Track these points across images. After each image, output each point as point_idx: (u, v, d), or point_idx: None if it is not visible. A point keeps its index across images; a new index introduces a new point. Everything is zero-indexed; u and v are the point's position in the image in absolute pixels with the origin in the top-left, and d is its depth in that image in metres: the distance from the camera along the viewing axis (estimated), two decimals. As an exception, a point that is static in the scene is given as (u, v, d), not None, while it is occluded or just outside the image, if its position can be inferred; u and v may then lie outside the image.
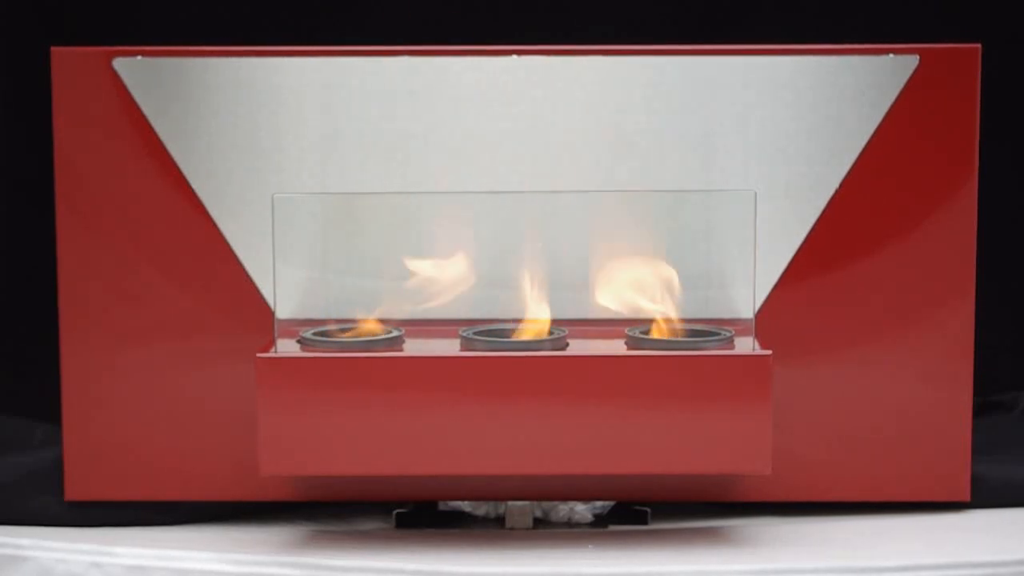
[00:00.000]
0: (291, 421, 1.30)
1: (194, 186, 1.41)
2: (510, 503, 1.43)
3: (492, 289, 1.41)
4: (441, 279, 1.39)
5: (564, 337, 1.36)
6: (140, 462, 1.43)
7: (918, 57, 1.40)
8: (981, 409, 1.66)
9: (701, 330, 1.37)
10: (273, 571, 1.30)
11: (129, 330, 1.41)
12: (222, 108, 1.40)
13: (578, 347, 1.35)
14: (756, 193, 1.36)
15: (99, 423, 1.42)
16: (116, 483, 1.43)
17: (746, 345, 1.34)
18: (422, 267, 1.38)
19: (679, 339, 1.35)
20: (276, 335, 1.34)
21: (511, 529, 1.43)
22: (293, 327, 1.37)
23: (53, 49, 1.40)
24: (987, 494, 1.46)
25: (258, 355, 1.31)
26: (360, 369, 1.31)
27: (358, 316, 1.38)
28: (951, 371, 1.42)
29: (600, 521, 1.45)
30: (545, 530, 1.43)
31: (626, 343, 1.35)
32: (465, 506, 1.46)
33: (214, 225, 1.41)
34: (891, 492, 1.44)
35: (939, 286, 1.42)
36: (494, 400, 1.30)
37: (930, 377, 1.42)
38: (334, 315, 1.39)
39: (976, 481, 1.44)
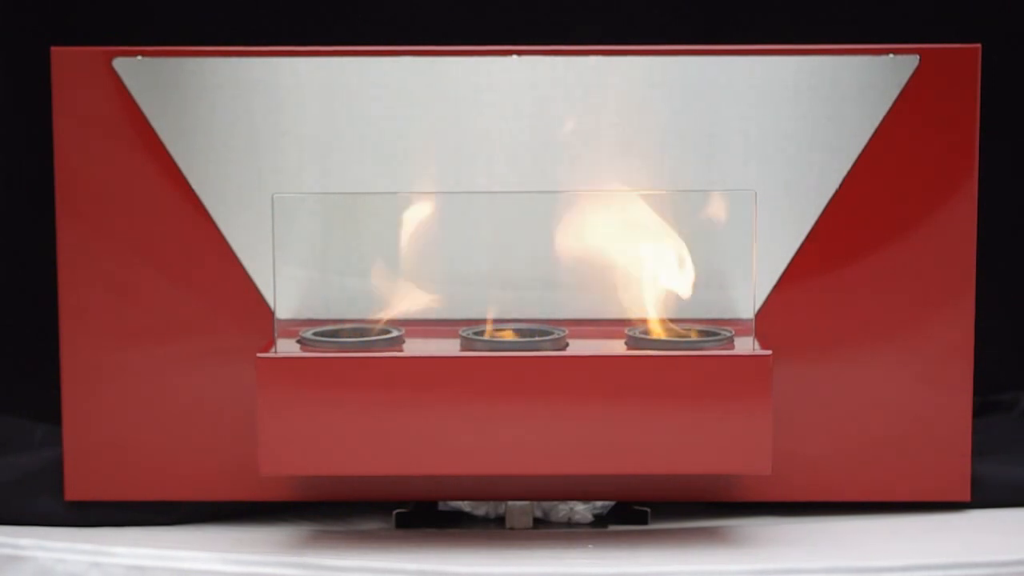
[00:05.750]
0: (291, 421, 1.30)
1: (194, 186, 1.41)
2: (510, 503, 1.43)
3: (492, 289, 1.41)
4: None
5: (564, 337, 1.36)
6: (140, 462, 1.43)
7: (918, 57, 1.40)
8: (981, 409, 1.66)
9: (701, 330, 1.37)
10: (273, 571, 1.30)
11: (129, 330, 1.41)
12: (222, 108, 1.40)
13: (578, 347, 1.35)
14: (756, 193, 1.36)
15: (99, 423, 1.42)
16: (116, 483, 1.43)
17: (746, 345, 1.34)
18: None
19: (679, 339, 1.35)
20: (276, 335, 1.34)
21: (511, 529, 1.43)
22: (293, 327, 1.37)
23: (53, 49, 1.40)
24: (987, 494, 1.46)
25: (258, 355, 1.31)
26: (360, 369, 1.31)
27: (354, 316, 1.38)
28: (951, 371, 1.42)
29: (600, 521, 1.45)
30: (545, 530, 1.43)
31: (626, 343, 1.35)
32: (465, 506, 1.46)
33: (214, 225, 1.41)
34: (891, 492, 1.44)
35: (939, 286, 1.42)
36: (494, 400, 1.30)
37: (930, 377, 1.42)
38: (334, 315, 1.40)
39: (976, 481, 1.44)
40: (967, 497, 1.44)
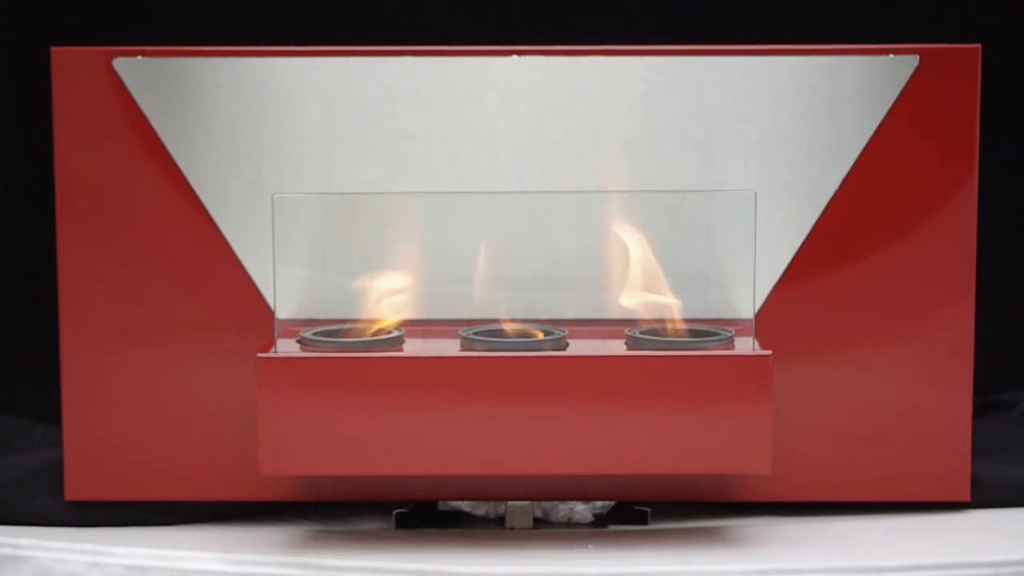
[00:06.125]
0: (291, 421, 1.30)
1: (194, 186, 1.41)
2: (510, 503, 1.43)
3: (492, 289, 1.41)
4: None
5: (564, 337, 1.36)
6: (140, 462, 1.43)
7: (918, 57, 1.40)
8: (981, 409, 1.67)
9: (701, 330, 1.37)
10: (273, 571, 1.30)
11: (129, 330, 1.41)
12: (222, 108, 1.40)
13: (578, 347, 1.35)
14: (756, 193, 1.36)
15: (99, 423, 1.42)
16: (116, 483, 1.43)
17: (746, 345, 1.34)
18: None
19: (679, 339, 1.35)
20: (276, 335, 1.34)
21: (511, 529, 1.43)
22: (293, 327, 1.37)
23: (53, 49, 1.40)
24: (987, 494, 1.46)
25: (258, 355, 1.31)
26: (360, 369, 1.31)
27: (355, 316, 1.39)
28: (951, 371, 1.42)
29: (600, 521, 1.45)
30: (545, 530, 1.43)
31: (626, 343, 1.35)
32: (465, 506, 1.46)
33: (214, 225, 1.41)
34: (891, 492, 1.44)
35: (939, 286, 1.42)
36: (494, 400, 1.30)
37: (930, 377, 1.42)
38: (334, 315, 1.39)
39: (976, 481, 1.44)
40: (967, 497, 1.44)
